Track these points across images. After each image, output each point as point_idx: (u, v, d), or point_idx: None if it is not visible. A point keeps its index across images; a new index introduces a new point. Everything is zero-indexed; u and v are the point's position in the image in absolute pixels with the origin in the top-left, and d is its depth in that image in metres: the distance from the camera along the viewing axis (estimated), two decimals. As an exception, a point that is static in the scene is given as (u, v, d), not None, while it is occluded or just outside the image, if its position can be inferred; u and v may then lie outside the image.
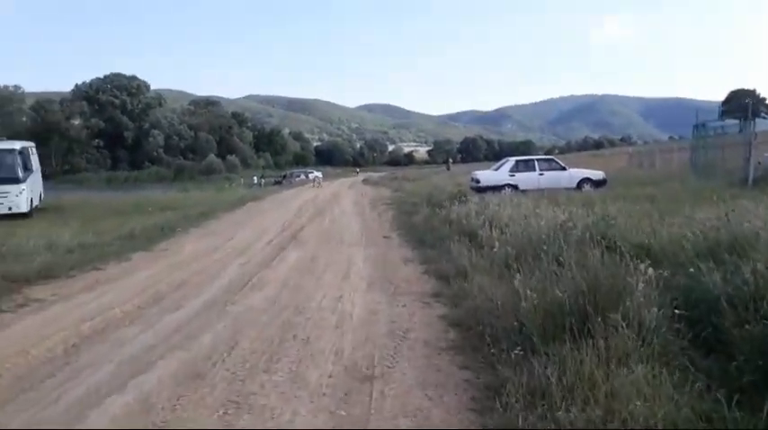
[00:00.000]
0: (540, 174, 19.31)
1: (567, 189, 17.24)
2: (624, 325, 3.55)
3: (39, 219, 16.76)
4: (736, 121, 23.22)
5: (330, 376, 3.96)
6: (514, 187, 18.94)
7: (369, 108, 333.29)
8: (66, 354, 4.56)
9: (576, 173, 19.92)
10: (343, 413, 3.40)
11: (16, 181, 17.75)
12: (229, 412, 3.43)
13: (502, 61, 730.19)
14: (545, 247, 6.82)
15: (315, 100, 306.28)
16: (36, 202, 20.81)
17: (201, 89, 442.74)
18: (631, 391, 2.98)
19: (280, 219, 15.34)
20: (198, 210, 17.62)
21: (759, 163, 14.96)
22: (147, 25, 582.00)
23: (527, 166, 20.07)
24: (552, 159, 21.33)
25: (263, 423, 3.30)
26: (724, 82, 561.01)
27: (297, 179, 59.37)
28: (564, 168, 19.85)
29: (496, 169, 20.93)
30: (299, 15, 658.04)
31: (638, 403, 2.87)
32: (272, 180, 61.33)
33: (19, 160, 18.24)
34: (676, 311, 3.80)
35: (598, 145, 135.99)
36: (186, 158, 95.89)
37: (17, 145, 19.20)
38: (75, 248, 9.94)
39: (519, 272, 6.31)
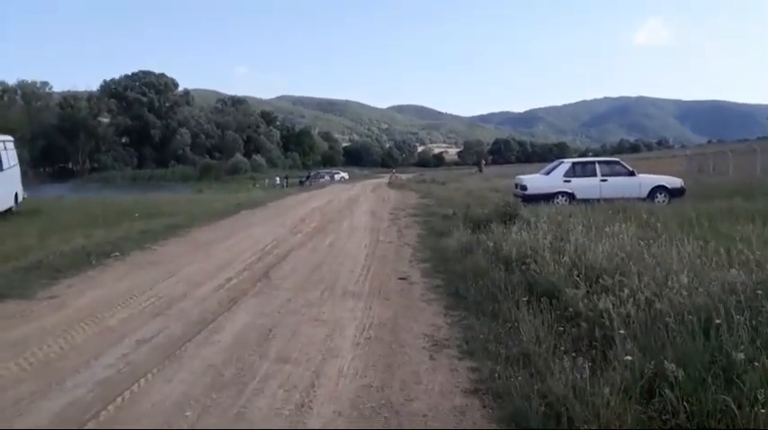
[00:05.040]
0: (603, 181, 15.81)
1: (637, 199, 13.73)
2: None
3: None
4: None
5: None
6: (570, 196, 15.62)
7: (399, 109, 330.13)
8: None
9: (648, 179, 16.29)
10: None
11: None
12: None
13: (534, 62, 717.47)
14: (749, 361, 3.02)
15: (346, 101, 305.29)
16: (10, 205, 17.89)
17: (235, 89, 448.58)
18: None
19: (266, 236, 11.47)
20: (172, 220, 14.08)
21: None
22: (183, 26, 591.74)
23: (585, 170, 16.45)
24: (617, 162, 17.36)
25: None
26: (763, 84, 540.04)
27: (321, 180, 56.20)
28: (632, 173, 16.17)
29: (547, 173, 17.11)
30: (333, 17, 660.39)
31: None
32: (297, 180, 58.15)
33: (-26, 159, 15.32)
34: None
35: (634, 148, 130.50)
36: (212, 157, 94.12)
37: (-27, 141, 16.15)
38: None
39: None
